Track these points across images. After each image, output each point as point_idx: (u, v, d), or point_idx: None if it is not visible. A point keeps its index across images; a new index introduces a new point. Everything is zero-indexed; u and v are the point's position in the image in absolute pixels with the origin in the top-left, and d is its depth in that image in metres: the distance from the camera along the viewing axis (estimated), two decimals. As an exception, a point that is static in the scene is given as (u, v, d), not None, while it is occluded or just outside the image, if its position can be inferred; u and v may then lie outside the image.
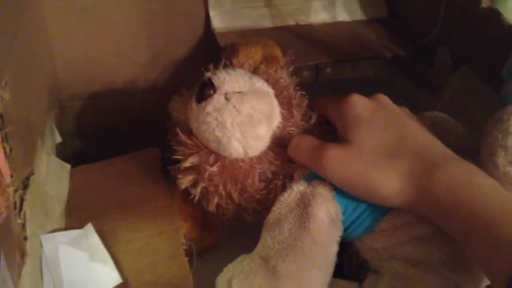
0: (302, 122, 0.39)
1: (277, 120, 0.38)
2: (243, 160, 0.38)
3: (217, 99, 0.36)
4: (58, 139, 0.49)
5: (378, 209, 0.36)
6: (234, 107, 0.35)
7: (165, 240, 0.39)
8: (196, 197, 0.39)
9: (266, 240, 0.35)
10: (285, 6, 0.54)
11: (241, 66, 0.40)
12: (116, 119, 0.55)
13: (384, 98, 0.38)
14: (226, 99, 0.36)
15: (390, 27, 0.56)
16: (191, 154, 0.38)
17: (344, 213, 0.36)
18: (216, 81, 0.36)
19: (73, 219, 0.41)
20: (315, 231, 0.34)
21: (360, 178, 0.34)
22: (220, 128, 0.36)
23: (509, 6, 0.45)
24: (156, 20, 0.51)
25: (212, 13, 0.52)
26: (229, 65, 0.41)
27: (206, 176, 0.38)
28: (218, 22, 0.52)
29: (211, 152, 0.38)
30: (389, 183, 0.33)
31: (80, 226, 0.39)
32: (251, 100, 0.36)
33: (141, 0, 0.50)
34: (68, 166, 0.46)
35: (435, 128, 0.40)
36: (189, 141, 0.38)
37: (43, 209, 0.39)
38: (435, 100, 0.53)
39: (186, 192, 0.40)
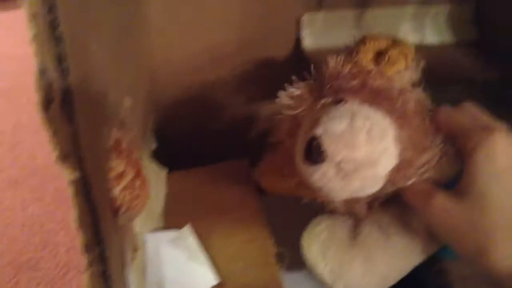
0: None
1: (390, 166, 0.32)
2: None
3: (326, 168, 0.31)
4: (154, 144, 0.52)
5: None
6: (343, 178, 0.31)
7: (256, 247, 0.41)
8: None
9: None
10: (375, 27, 0.55)
11: (361, 61, 0.38)
12: (207, 127, 0.57)
13: None
14: (337, 168, 0.30)
15: (480, 50, 0.56)
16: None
17: None
18: (325, 144, 0.30)
19: (171, 221, 0.43)
20: None
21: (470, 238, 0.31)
22: (328, 191, 0.32)
23: None
24: (251, 37, 0.53)
25: (304, 33, 0.53)
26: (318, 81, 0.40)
27: None
28: (309, 41, 0.54)
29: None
30: (506, 262, 0.30)
31: (177, 227, 0.42)
32: (364, 172, 0.31)
33: (240, 15, 0.52)
34: (164, 171, 0.49)
35: None
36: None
37: (145, 209, 0.41)
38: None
39: None
